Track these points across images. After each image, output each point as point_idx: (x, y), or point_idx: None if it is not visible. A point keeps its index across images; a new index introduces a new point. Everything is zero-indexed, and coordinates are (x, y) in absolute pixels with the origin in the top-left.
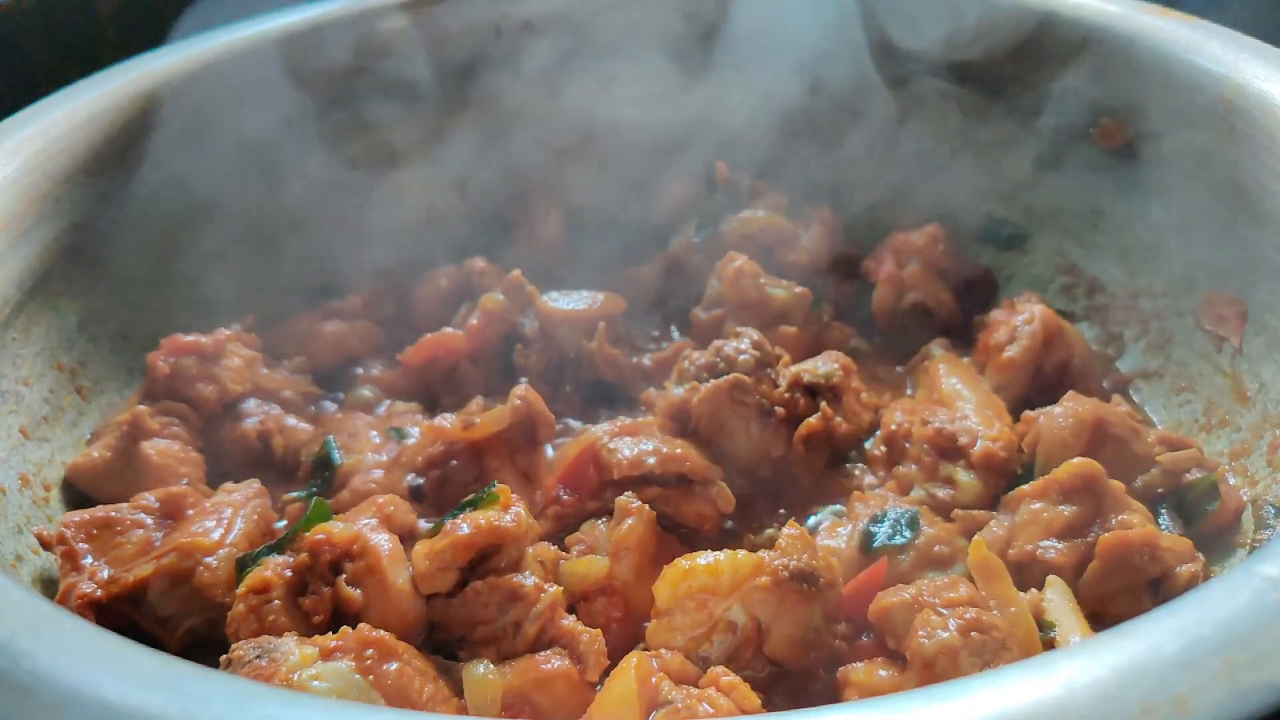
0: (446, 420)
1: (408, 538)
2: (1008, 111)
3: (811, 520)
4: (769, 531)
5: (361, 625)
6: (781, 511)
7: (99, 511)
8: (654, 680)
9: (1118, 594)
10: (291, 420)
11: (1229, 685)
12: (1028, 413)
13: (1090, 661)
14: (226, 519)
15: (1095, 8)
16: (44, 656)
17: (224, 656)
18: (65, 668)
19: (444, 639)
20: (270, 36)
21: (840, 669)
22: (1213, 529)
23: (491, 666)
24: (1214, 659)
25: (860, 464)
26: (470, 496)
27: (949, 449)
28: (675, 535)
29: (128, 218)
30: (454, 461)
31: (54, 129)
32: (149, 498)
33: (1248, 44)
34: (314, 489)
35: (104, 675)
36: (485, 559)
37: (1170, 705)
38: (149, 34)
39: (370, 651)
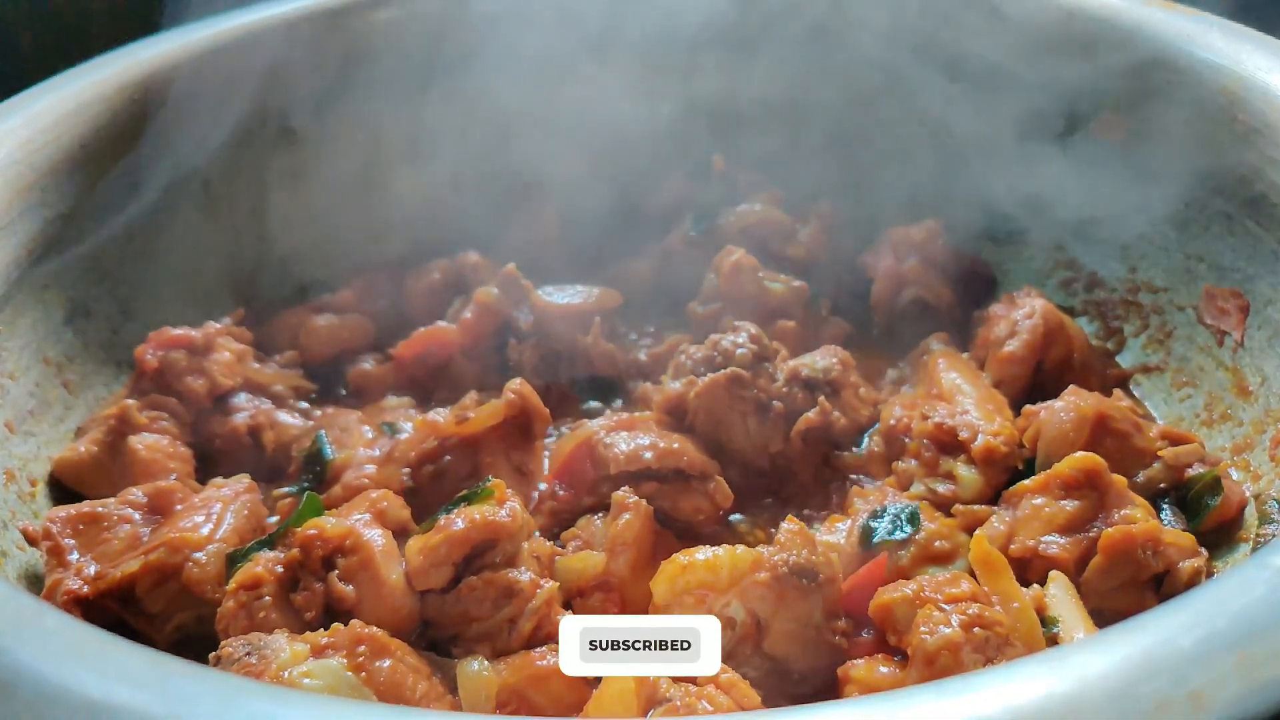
0: (440, 415)
1: (401, 533)
2: (1007, 105)
3: (810, 515)
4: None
5: (354, 622)
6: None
7: (86, 507)
8: (652, 677)
9: (1120, 589)
10: (282, 415)
11: (1244, 680)
12: (1028, 407)
13: (1102, 656)
14: (216, 514)
15: (1098, 1)
16: (26, 653)
17: (213, 654)
18: (49, 665)
19: (438, 636)
20: (261, 28)
21: (841, 666)
22: (1215, 524)
23: (486, 663)
24: (1229, 654)
25: (859, 459)
26: (465, 492)
27: (949, 444)
28: (672, 530)
29: (116, 210)
30: (448, 457)
31: (41, 119)
32: (136, 493)
33: (1250, 36)
34: (305, 484)
35: (89, 672)
36: (480, 554)
37: (1185, 701)
38: (139, 23)
39: (363, 648)
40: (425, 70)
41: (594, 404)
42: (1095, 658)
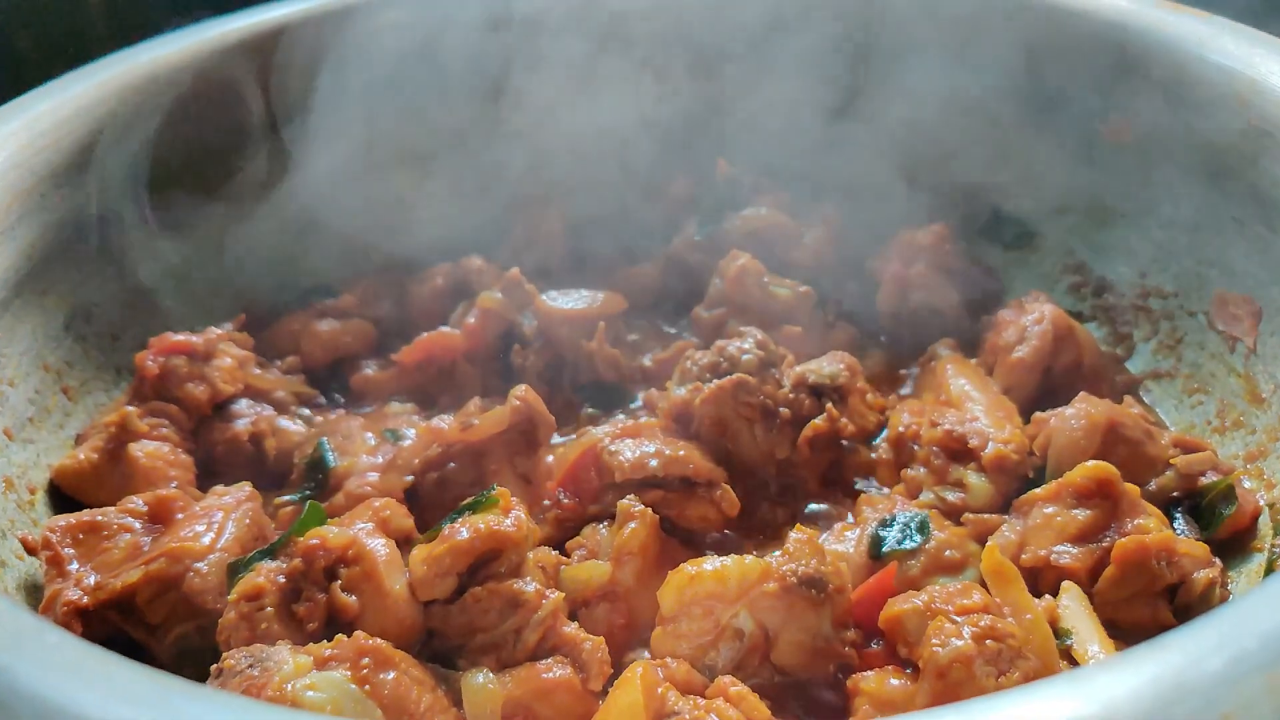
0: (444, 421)
1: (405, 542)
2: (1015, 108)
3: (818, 524)
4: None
5: (357, 633)
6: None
7: (85, 515)
8: (660, 690)
9: (1133, 600)
10: (284, 421)
11: (1276, 703)
12: (1038, 414)
13: (1130, 677)
14: (217, 523)
15: (1107, 3)
16: (25, 672)
17: (215, 666)
18: (48, 684)
19: (442, 647)
20: (259, 31)
21: (850, 678)
22: (1229, 534)
23: (491, 675)
24: (1259, 675)
25: (867, 467)
26: (469, 500)
27: (959, 451)
28: (678, 539)
29: (115, 215)
30: (452, 464)
31: (40, 123)
32: (137, 501)
33: (1263, 40)
34: (308, 492)
35: (89, 692)
36: (485, 564)
37: None
38: (138, 27)
39: (366, 660)
40: (428, 72)
41: (598, 411)
42: (1122, 678)
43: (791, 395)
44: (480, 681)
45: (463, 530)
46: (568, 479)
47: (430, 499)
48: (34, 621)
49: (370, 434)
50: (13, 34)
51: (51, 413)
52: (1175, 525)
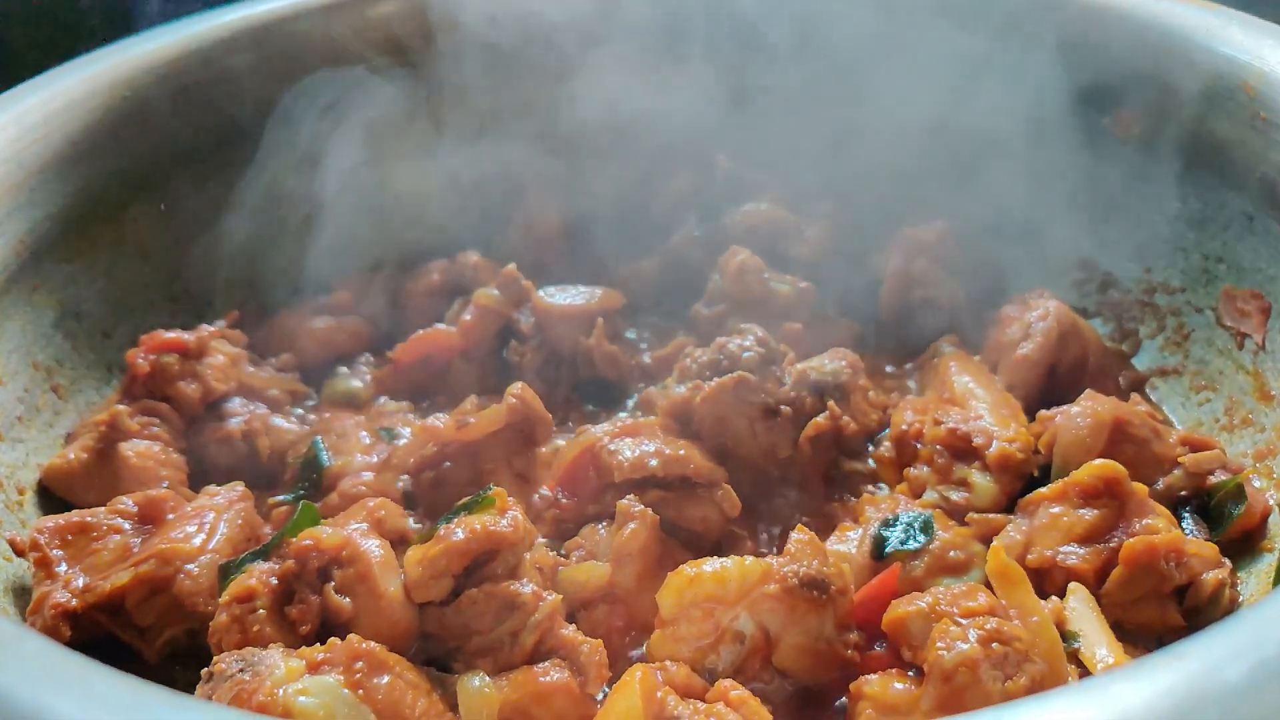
0: (439, 420)
1: (399, 543)
2: (1019, 101)
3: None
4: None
5: (351, 636)
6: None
7: (75, 516)
8: (659, 694)
9: (1142, 602)
10: (278, 420)
11: None
12: (1043, 412)
13: (1145, 686)
14: (209, 523)
15: None
16: (4, 681)
17: (206, 669)
18: (27, 694)
19: (438, 650)
20: (252, 24)
21: (853, 681)
22: (1238, 534)
23: (488, 679)
24: (1279, 684)
25: (869, 465)
26: (465, 500)
27: (963, 450)
28: (678, 540)
29: (106, 209)
30: (448, 463)
31: (30, 116)
32: (127, 501)
33: (1272, 30)
34: (301, 492)
35: (68, 701)
36: (481, 566)
37: None
38: (133, 20)
39: (360, 664)
40: (423, 67)
41: (597, 409)
42: (1137, 688)
43: (793, 393)
44: (476, 685)
45: (458, 531)
46: (566, 478)
47: (426, 499)
48: (12, 628)
49: (365, 433)
50: (4, 26)
51: (41, 411)
52: (1183, 525)
